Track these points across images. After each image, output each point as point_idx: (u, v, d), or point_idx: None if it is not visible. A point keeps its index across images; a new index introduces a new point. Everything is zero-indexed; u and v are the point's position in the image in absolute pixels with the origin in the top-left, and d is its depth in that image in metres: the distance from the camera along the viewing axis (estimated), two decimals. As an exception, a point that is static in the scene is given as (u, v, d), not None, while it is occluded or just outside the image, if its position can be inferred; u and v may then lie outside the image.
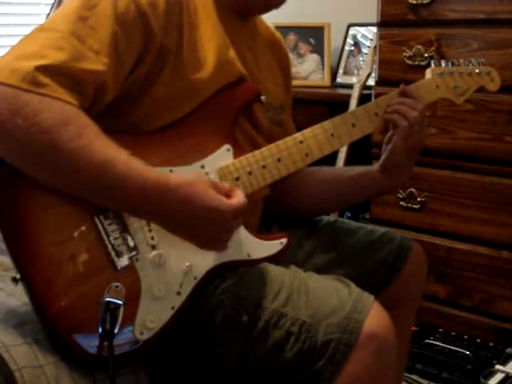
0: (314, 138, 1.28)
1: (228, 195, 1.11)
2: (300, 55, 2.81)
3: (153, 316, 1.10)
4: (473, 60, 1.46)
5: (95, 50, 1.04)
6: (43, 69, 0.99)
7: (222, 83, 1.21)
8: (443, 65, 1.42)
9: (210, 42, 1.20)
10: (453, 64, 1.43)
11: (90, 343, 1.04)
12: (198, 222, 1.08)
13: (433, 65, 1.42)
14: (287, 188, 1.39)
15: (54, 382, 1.02)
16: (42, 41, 1.03)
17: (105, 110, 1.10)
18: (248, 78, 1.26)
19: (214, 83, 1.20)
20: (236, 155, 1.22)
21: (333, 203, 1.50)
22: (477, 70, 1.45)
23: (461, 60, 1.44)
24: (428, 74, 1.42)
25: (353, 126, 1.32)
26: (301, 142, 1.27)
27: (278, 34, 1.49)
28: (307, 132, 1.28)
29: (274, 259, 1.24)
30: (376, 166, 1.40)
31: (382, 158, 1.38)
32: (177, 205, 1.05)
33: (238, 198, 1.11)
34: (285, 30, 2.81)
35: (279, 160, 1.24)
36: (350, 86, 2.46)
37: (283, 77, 1.45)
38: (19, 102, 0.97)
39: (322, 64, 2.78)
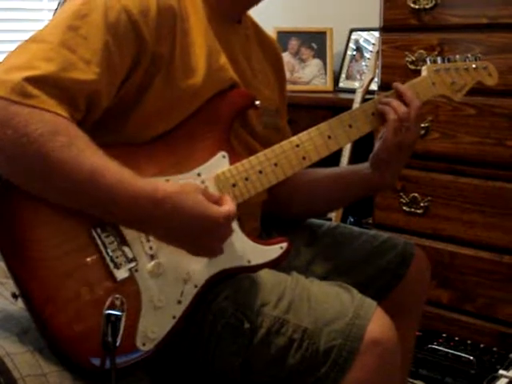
0: (310, 140, 1.27)
1: (218, 203, 1.10)
2: (302, 60, 2.81)
3: (154, 326, 1.10)
4: (469, 55, 1.44)
5: (86, 59, 1.04)
6: (32, 80, 0.99)
7: (214, 90, 1.21)
8: (439, 61, 1.41)
9: (202, 48, 1.19)
10: (449, 60, 1.41)
11: (92, 356, 1.04)
12: (188, 230, 1.07)
13: (428, 62, 1.41)
14: (279, 189, 1.37)
15: (58, 391, 1.02)
16: (32, 52, 1.02)
17: (99, 122, 1.10)
18: (240, 84, 1.25)
19: (206, 90, 1.19)
20: (232, 162, 1.21)
21: (323, 203, 1.49)
22: (473, 65, 1.43)
23: (457, 56, 1.43)
24: (424, 71, 1.41)
25: (350, 126, 1.31)
26: (297, 146, 1.26)
27: (272, 37, 1.48)
28: (303, 135, 1.27)
29: (275, 264, 1.23)
30: (366, 163, 1.40)
31: (372, 153, 1.37)
32: (167, 213, 1.05)
33: (229, 205, 1.10)
34: (287, 35, 2.81)
35: (276, 164, 1.24)
36: (353, 91, 2.46)
37: (277, 80, 1.44)
38: (8, 114, 0.97)
39: (325, 69, 2.78)
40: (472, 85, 1.44)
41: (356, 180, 1.42)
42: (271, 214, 1.42)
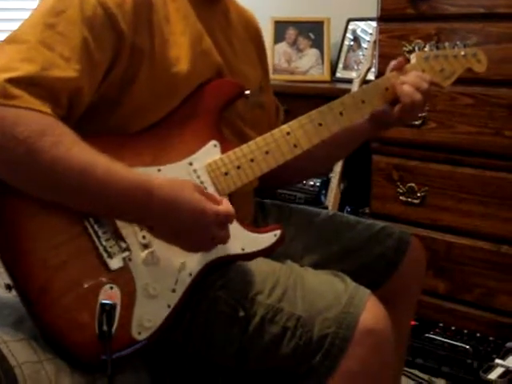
0: (301, 128, 1.27)
1: (215, 201, 1.11)
2: (299, 50, 2.80)
3: (149, 315, 1.10)
4: (458, 42, 1.44)
5: (65, 56, 1.04)
6: (14, 81, 0.99)
7: (201, 76, 1.21)
8: (428, 49, 1.41)
9: (184, 35, 1.19)
10: (438, 48, 1.42)
11: (87, 346, 1.04)
12: (182, 224, 1.08)
13: (417, 49, 1.41)
14: None
15: (54, 378, 1.02)
16: (11, 53, 1.03)
17: (87, 114, 1.11)
18: (224, 67, 1.25)
19: (192, 77, 1.19)
20: (223, 150, 1.21)
21: (320, 160, 1.49)
22: (462, 53, 1.43)
23: (446, 43, 1.43)
24: (413, 58, 1.40)
25: (340, 114, 1.30)
26: (288, 134, 1.26)
27: (250, 12, 1.47)
28: (294, 123, 1.27)
29: (269, 252, 1.24)
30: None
31: (381, 116, 1.38)
32: (161, 205, 1.05)
33: (225, 206, 1.10)
34: (284, 24, 2.81)
35: (267, 153, 1.24)
36: (350, 81, 2.46)
37: (259, 55, 1.44)
38: None
39: (322, 59, 2.78)
40: (461, 72, 1.44)
41: (350, 136, 1.43)
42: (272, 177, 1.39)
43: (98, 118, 1.13)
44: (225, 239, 1.13)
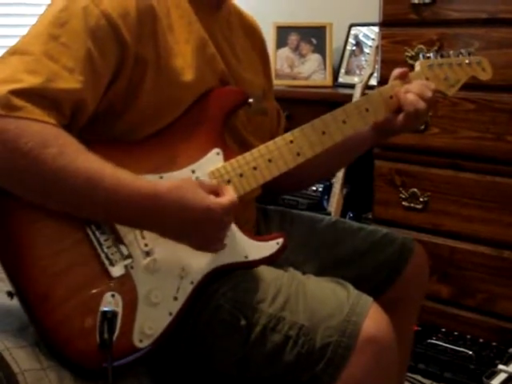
0: (304, 136, 1.26)
1: (217, 193, 1.11)
2: (302, 55, 2.80)
3: (151, 323, 1.10)
4: (463, 50, 1.45)
5: (69, 68, 1.04)
6: (18, 92, 0.99)
7: (204, 84, 1.21)
8: (432, 57, 1.41)
9: (187, 43, 1.19)
10: (442, 56, 1.42)
11: (89, 353, 1.04)
12: (190, 224, 1.07)
13: (421, 57, 1.41)
14: None
15: (57, 385, 1.02)
16: (15, 65, 1.02)
17: (91, 122, 1.11)
18: (228, 74, 1.25)
19: (197, 86, 1.19)
20: (226, 158, 1.21)
21: (323, 168, 1.49)
22: (467, 61, 1.44)
23: (451, 51, 1.43)
24: (417, 66, 1.41)
25: (344, 122, 1.30)
26: (291, 142, 1.26)
27: (253, 18, 1.47)
28: (297, 131, 1.27)
29: (272, 260, 1.24)
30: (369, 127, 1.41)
31: (382, 124, 1.37)
32: (168, 210, 1.05)
33: (229, 195, 1.11)
34: (286, 29, 2.80)
35: (270, 161, 1.23)
36: (352, 86, 2.46)
37: (261, 61, 1.44)
38: None
39: (324, 64, 2.77)
40: (465, 80, 1.44)
41: (353, 144, 1.43)
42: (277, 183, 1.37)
43: (103, 126, 1.13)
44: (229, 224, 1.13)
